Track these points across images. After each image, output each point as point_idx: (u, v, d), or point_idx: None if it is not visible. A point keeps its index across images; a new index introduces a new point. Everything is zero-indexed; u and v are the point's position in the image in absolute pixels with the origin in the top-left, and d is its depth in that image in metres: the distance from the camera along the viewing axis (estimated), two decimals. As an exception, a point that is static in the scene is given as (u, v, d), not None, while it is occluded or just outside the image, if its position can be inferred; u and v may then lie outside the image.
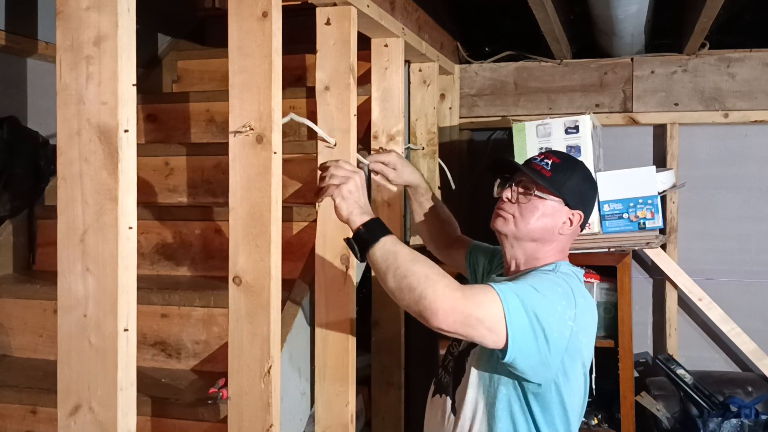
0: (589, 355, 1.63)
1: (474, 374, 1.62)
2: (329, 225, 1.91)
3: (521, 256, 1.67)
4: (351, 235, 1.53)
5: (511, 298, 1.45)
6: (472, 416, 1.61)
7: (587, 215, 1.71)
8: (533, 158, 1.73)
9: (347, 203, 1.53)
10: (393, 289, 1.47)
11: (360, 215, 1.52)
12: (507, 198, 1.69)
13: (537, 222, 1.64)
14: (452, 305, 1.41)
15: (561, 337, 1.49)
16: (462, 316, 1.42)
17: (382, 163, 1.94)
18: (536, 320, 1.45)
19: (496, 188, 1.81)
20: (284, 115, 1.60)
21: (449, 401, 1.68)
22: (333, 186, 1.54)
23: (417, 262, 1.46)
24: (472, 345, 1.66)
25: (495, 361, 1.56)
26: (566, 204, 1.65)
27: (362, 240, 1.50)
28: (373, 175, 1.90)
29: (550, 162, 1.68)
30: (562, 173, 1.67)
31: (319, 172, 1.62)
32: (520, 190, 1.68)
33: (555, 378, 1.54)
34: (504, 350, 1.45)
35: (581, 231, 1.75)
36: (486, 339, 1.44)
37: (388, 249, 1.48)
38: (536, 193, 1.65)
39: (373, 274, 2.37)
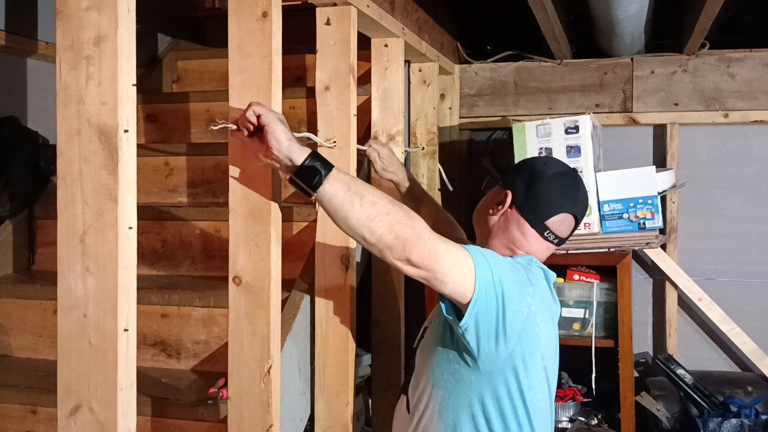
0: (548, 350, 1.55)
1: (423, 366, 1.59)
2: (329, 225, 1.91)
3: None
4: (292, 180, 1.39)
5: (478, 254, 1.44)
6: (422, 411, 1.57)
7: (521, 201, 1.59)
8: None
9: (288, 136, 1.36)
10: (358, 217, 1.35)
11: (299, 147, 1.36)
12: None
13: (481, 202, 1.69)
14: (429, 236, 1.38)
15: (519, 311, 1.45)
16: (436, 249, 1.38)
17: (376, 151, 2.00)
18: (499, 281, 1.42)
19: None
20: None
21: (405, 400, 1.65)
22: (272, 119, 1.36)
23: (377, 190, 1.40)
24: (422, 337, 1.65)
25: (445, 343, 1.52)
26: (500, 183, 1.66)
27: (314, 171, 1.35)
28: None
29: None
30: (521, 166, 1.73)
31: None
32: None
33: (513, 364, 1.48)
34: (462, 313, 1.40)
35: (523, 226, 1.59)
36: (456, 284, 1.39)
37: (344, 177, 1.39)
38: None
39: (374, 261, 2.38)
